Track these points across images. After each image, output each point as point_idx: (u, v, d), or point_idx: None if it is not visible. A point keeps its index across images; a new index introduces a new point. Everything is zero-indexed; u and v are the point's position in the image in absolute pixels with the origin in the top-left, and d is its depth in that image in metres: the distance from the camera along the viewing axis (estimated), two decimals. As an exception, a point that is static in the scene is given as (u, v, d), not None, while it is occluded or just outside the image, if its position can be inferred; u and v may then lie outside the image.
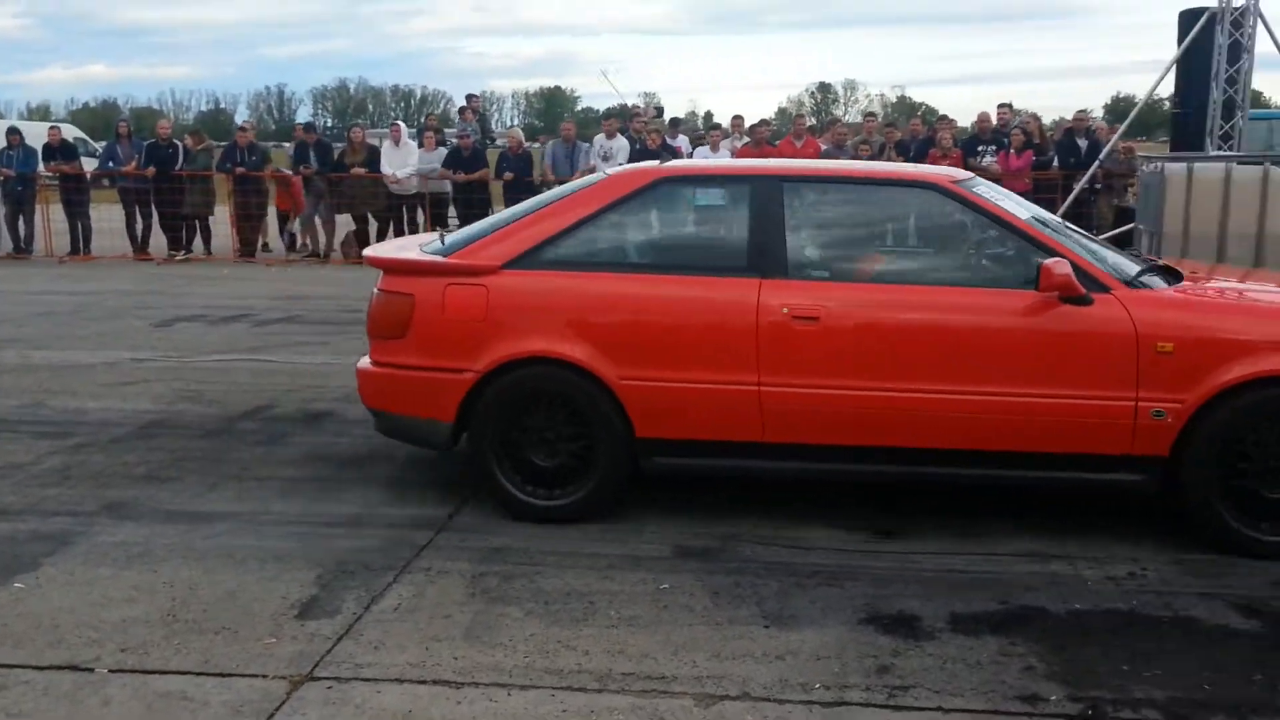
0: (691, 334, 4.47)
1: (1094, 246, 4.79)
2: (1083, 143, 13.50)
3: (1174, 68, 14.56)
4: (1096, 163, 12.81)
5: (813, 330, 4.37)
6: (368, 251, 5.24)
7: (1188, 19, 14.15)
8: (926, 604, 3.81)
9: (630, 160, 13.37)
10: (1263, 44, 13.57)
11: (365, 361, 4.96)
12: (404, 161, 14.12)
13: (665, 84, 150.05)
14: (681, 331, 4.48)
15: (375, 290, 4.87)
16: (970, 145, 13.18)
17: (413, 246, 5.22)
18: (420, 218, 14.54)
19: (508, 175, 13.87)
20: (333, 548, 4.32)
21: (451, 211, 14.47)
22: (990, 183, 5.15)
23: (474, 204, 13.93)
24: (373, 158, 14.27)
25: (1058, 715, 3.09)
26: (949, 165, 11.83)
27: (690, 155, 14.11)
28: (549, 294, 4.57)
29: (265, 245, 15.71)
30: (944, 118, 15.09)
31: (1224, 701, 3.15)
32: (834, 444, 4.44)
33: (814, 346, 4.37)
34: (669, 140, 13.85)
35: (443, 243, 5.00)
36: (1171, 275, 4.72)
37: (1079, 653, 3.45)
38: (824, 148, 13.42)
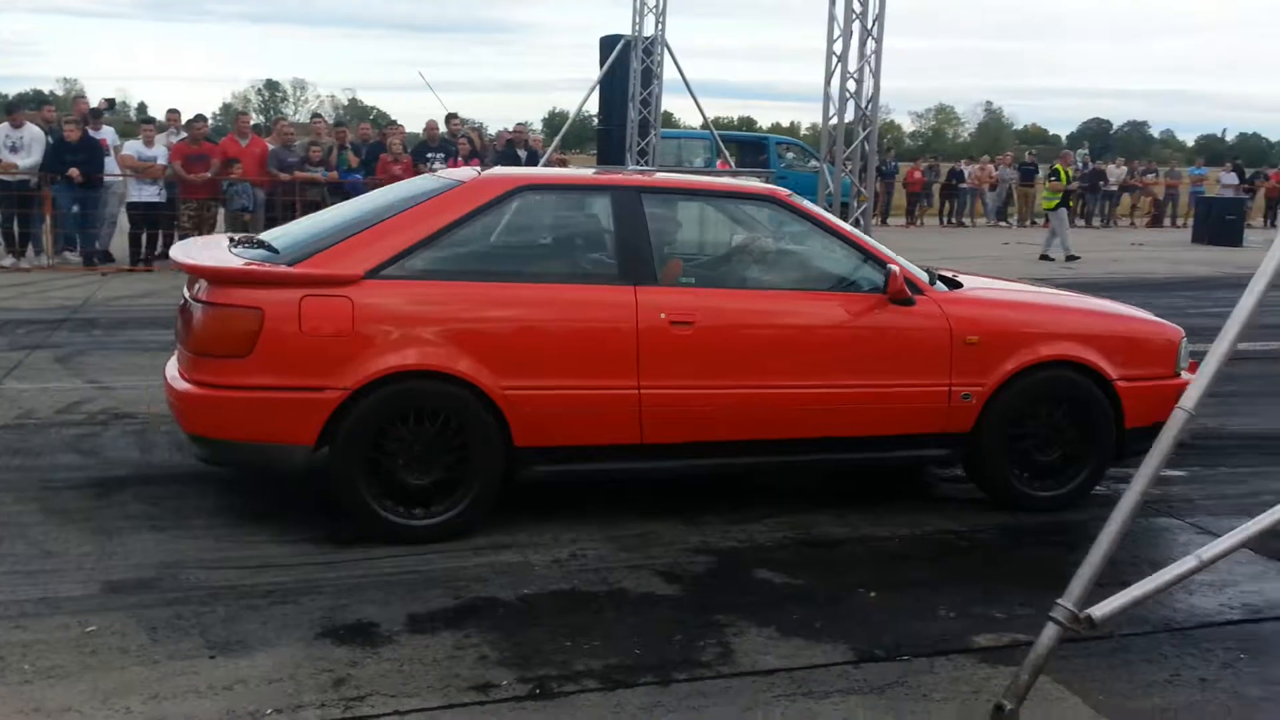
0: (574, 341, 4.55)
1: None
2: (523, 153, 14.38)
3: (598, 88, 16.00)
4: (536, 173, 13.68)
5: (688, 334, 4.61)
6: (181, 257, 4.47)
7: (607, 44, 15.65)
8: (384, 608, 3.79)
9: (46, 153, 11.99)
10: (671, 70, 15.42)
11: (181, 383, 4.39)
12: None
13: (90, 70, 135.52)
14: (564, 339, 4.54)
15: (199, 302, 4.18)
16: (420, 151, 13.44)
17: (224, 252, 4.66)
18: None
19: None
20: None
21: None
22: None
23: None
24: None
25: (509, 699, 3.22)
26: (399, 171, 12.00)
27: (119, 148, 12.90)
28: (422, 305, 4.42)
29: None
30: (394, 123, 15.26)
31: (652, 663, 3.47)
32: (708, 441, 4.72)
33: (690, 350, 4.62)
34: (91, 132, 12.50)
35: (270, 249, 4.58)
36: (951, 281, 5.34)
37: (527, 636, 3.62)
38: (271, 147, 12.94)
